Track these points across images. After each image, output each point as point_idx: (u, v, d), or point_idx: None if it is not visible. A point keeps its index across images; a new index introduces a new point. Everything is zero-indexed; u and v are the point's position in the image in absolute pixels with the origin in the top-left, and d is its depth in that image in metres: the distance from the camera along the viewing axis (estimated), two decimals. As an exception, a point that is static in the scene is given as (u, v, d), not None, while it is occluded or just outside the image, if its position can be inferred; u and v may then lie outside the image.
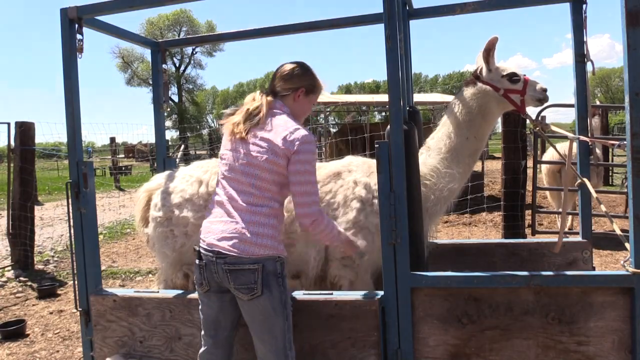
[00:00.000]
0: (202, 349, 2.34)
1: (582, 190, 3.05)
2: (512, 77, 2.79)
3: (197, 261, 2.29)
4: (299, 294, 2.50)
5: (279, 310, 2.18)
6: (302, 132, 2.19)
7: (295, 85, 2.36)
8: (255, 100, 2.34)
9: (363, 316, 2.36)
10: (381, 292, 2.40)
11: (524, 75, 2.82)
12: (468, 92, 2.88)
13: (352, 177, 2.91)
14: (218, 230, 2.22)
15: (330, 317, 2.40)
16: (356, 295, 2.44)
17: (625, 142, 2.18)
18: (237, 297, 2.21)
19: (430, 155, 2.89)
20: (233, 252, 2.14)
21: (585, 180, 2.75)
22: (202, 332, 2.36)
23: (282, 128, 2.21)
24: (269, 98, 2.34)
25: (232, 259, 2.15)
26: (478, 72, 2.88)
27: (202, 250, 2.25)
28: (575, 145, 2.92)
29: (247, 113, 2.29)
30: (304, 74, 2.39)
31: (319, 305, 2.42)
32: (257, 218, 2.18)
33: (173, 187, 3.09)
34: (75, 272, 2.87)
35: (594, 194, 2.58)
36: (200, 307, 2.35)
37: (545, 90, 2.80)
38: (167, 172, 3.31)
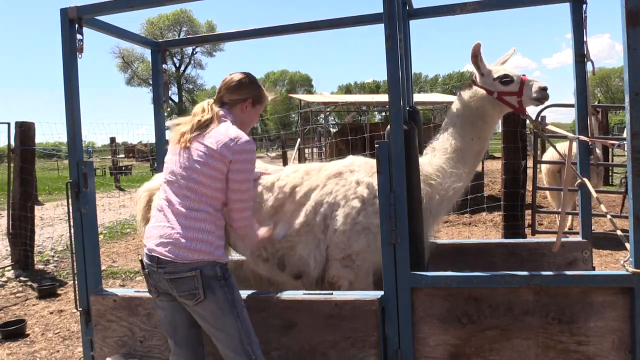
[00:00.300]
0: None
1: (582, 190, 3.05)
2: (503, 79, 2.73)
3: (142, 270, 2.37)
4: (299, 294, 2.51)
5: (227, 310, 2.22)
6: (242, 139, 2.25)
7: (242, 97, 2.44)
8: (205, 111, 2.38)
9: (363, 316, 2.36)
10: (381, 292, 2.40)
11: (523, 75, 2.75)
12: (465, 95, 2.87)
13: (355, 177, 2.89)
14: (156, 235, 2.27)
15: (330, 317, 2.40)
16: (356, 295, 2.44)
17: (625, 142, 2.18)
18: (183, 303, 2.25)
19: (436, 155, 2.87)
20: (169, 257, 2.19)
21: (585, 180, 2.74)
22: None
23: (224, 135, 2.26)
24: (217, 108, 2.40)
25: (170, 268, 2.19)
26: (474, 76, 2.87)
27: (144, 260, 2.31)
28: (575, 145, 2.91)
29: (198, 124, 2.33)
30: (251, 85, 2.47)
31: (319, 305, 2.42)
32: (192, 223, 2.22)
33: None
34: (75, 272, 2.87)
35: (594, 194, 2.58)
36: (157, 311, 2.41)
37: (544, 88, 2.70)
38: None
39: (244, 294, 2.55)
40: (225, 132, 2.28)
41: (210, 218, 2.25)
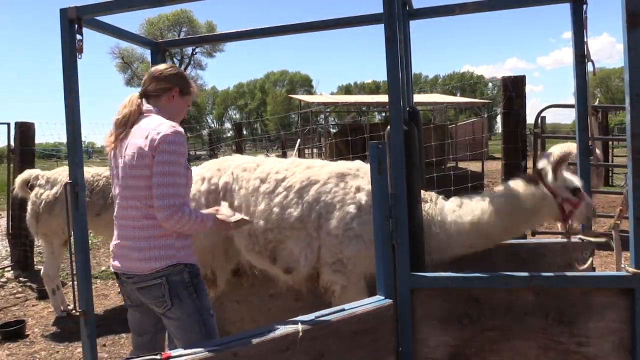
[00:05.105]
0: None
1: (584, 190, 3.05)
2: (576, 191, 2.68)
3: (117, 281, 2.41)
4: (310, 317, 2.16)
5: (194, 317, 2.20)
6: (166, 127, 2.13)
7: (168, 85, 2.33)
8: (125, 106, 2.28)
9: (384, 324, 2.28)
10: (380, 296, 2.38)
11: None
12: (528, 190, 2.71)
13: (357, 182, 2.87)
14: (118, 253, 2.28)
15: (355, 335, 2.19)
16: (371, 303, 2.31)
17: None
18: (154, 309, 2.28)
19: (459, 215, 2.78)
20: (133, 271, 2.20)
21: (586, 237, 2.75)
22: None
23: (146, 130, 2.16)
24: (139, 101, 2.30)
25: (137, 279, 2.20)
26: (543, 174, 2.73)
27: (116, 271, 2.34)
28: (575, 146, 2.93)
29: (118, 122, 2.25)
30: (177, 74, 2.39)
31: (345, 324, 2.17)
32: (143, 233, 2.17)
33: None
34: (74, 272, 2.86)
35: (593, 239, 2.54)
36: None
37: (594, 209, 2.76)
38: None
39: (262, 333, 2.03)
40: (147, 125, 2.17)
41: (157, 222, 2.14)
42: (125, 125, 2.23)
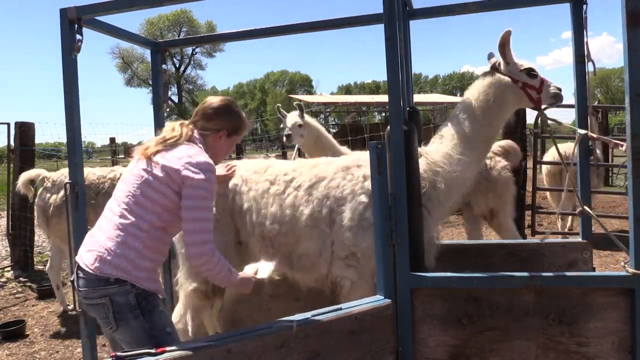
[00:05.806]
0: None
1: (582, 190, 3.05)
2: (530, 72, 2.76)
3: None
4: (305, 316, 2.17)
5: (144, 340, 2.04)
6: (202, 159, 2.10)
7: (217, 127, 2.28)
8: (174, 130, 2.23)
9: (382, 324, 2.29)
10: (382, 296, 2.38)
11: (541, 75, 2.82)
12: (486, 81, 2.83)
13: (362, 171, 2.88)
14: (86, 242, 2.26)
15: (352, 334, 2.21)
16: (369, 303, 2.31)
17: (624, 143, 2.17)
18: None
19: (443, 142, 2.83)
20: (83, 262, 2.15)
21: (587, 208, 2.74)
22: None
23: (185, 153, 2.11)
24: (188, 129, 2.25)
25: (84, 292, 2.13)
26: (496, 64, 2.84)
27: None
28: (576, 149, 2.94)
29: (162, 140, 2.19)
30: (229, 114, 2.31)
31: (341, 323, 2.18)
32: (118, 234, 2.10)
33: None
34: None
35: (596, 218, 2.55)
36: None
37: (560, 89, 2.78)
38: None
39: (256, 330, 2.06)
40: (187, 151, 2.13)
41: (138, 234, 2.07)
42: (167, 145, 2.17)
